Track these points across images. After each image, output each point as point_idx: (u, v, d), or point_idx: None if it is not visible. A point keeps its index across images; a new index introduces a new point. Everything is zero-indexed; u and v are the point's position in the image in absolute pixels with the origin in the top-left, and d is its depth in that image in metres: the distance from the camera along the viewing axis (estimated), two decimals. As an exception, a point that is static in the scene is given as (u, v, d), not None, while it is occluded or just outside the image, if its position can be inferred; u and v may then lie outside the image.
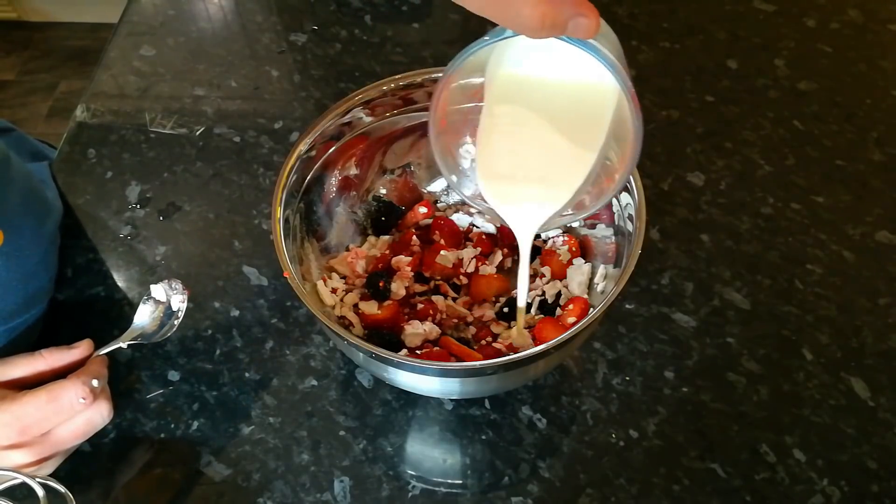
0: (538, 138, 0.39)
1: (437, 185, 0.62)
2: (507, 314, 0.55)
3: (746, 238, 0.63)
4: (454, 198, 0.62)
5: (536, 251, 0.58)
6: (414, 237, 0.58)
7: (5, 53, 1.94)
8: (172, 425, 0.55)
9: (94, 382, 0.47)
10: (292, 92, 0.76)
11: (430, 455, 0.54)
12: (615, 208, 0.51)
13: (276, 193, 0.49)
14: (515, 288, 0.56)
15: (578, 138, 0.39)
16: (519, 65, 0.38)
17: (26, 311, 0.57)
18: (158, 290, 0.54)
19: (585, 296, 0.54)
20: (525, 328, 0.52)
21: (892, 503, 0.50)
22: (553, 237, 0.58)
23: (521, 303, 0.50)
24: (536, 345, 0.46)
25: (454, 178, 0.43)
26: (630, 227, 0.48)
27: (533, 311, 0.55)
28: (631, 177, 0.47)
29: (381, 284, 0.55)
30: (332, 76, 0.76)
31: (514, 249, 0.59)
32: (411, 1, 0.83)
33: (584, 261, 0.56)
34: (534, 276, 0.57)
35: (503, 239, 0.59)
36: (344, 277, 0.56)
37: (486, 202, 0.43)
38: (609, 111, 0.38)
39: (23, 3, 1.97)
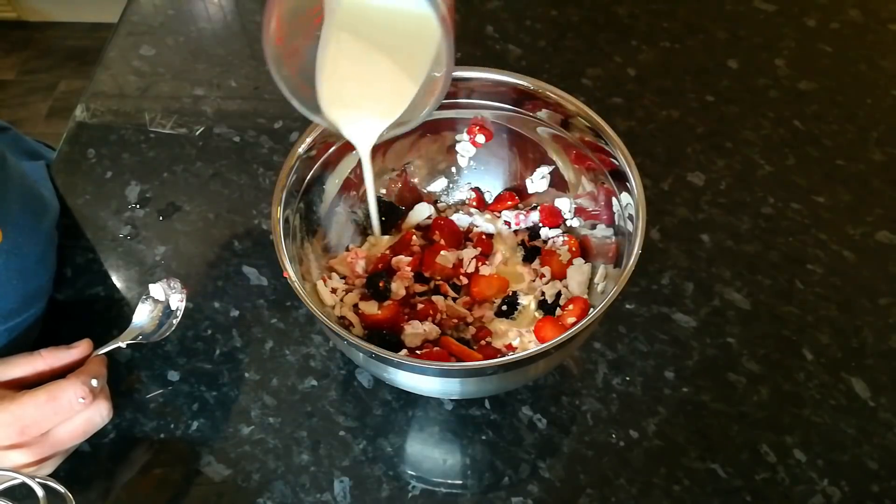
0: (375, 58, 0.43)
1: (437, 185, 0.62)
2: (507, 312, 0.55)
3: (747, 238, 0.63)
4: (454, 198, 0.62)
5: (536, 251, 0.58)
6: (414, 237, 0.58)
7: (5, 53, 1.94)
8: (172, 425, 0.55)
9: (94, 382, 0.47)
10: (292, 92, 0.76)
11: (430, 455, 0.53)
12: (615, 208, 0.51)
13: (275, 193, 0.49)
14: (514, 289, 0.56)
15: (411, 56, 0.43)
16: None
17: (26, 310, 0.57)
18: (157, 290, 0.54)
19: (585, 296, 0.54)
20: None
21: (893, 503, 0.50)
22: (553, 237, 0.58)
23: (374, 213, 0.55)
24: (536, 344, 0.47)
25: (291, 95, 0.45)
26: (630, 227, 0.48)
27: (533, 310, 0.55)
28: (631, 177, 0.48)
29: (381, 284, 0.55)
30: (332, 76, 0.76)
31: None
32: (411, 1, 0.83)
33: (584, 261, 0.56)
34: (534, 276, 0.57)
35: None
36: (344, 277, 0.56)
37: (326, 118, 0.47)
38: (437, 31, 0.40)
39: (22, 3, 1.97)
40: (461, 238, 0.59)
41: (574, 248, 0.56)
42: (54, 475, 0.47)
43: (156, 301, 0.54)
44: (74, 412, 0.46)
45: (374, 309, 0.54)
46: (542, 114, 0.53)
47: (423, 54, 0.43)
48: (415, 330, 0.52)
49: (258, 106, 0.74)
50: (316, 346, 0.58)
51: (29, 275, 0.57)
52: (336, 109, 0.46)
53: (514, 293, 0.56)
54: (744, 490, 0.51)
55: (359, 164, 0.57)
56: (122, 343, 0.51)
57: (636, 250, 0.45)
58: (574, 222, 0.58)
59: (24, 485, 0.44)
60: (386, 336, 0.52)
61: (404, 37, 0.43)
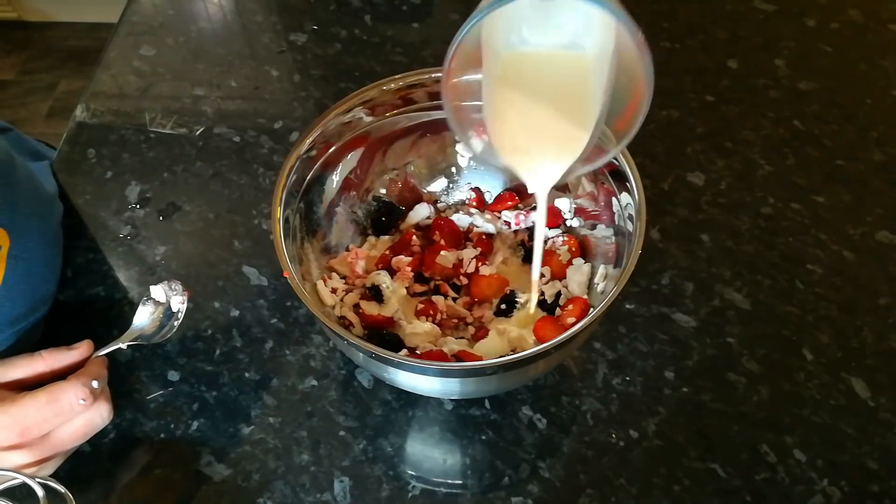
0: (547, 99, 0.42)
1: (437, 185, 0.62)
2: (505, 311, 0.55)
3: (746, 238, 0.63)
4: (454, 198, 0.62)
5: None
6: (414, 237, 0.58)
7: (5, 53, 1.94)
8: (172, 425, 0.55)
9: (94, 383, 0.47)
10: (292, 92, 0.76)
11: (430, 455, 0.54)
12: (615, 208, 0.51)
13: (276, 193, 0.49)
14: (514, 288, 0.56)
15: (583, 92, 0.42)
16: (519, 36, 0.41)
17: (33, 314, 0.57)
18: (158, 291, 0.54)
19: (585, 296, 0.54)
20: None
21: (893, 503, 0.50)
22: (553, 237, 0.58)
23: (535, 275, 0.50)
24: (537, 344, 0.46)
25: (471, 142, 0.45)
26: (630, 227, 0.48)
27: (532, 310, 0.55)
28: (631, 177, 0.48)
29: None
30: (332, 76, 0.76)
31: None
32: (411, 1, 0.83)
33: (583, 261, 0.56)
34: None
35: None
36: (344, 277, 0.56)
37: (499, 161, 0.45)
38: (606, 63, 0.40)
39: (23, 3, 1.97)
40: (461, 238, 0.59)
41: (574, 248, 0.56)
42: (55, 475, 0.47)
43: (157, 303, 0.54)
44: (75, 414, 0.46)
45: (374, 309, 0.54)
46: (543, 114, 0.53)
47: (596, 87, 0.41)
48: (415, 330, 0.52)
49: (258, 106, 0.74)
50: (316, 346, 0.58)
51: (37, 279, 0.56)
52: (509, 155, 0.45)
53: (513, 292, 0.56)
54: (744, 490, 0.51)
55: (361, 162, 0.57)
56: (122, 344, 0.51)
57: (636, 250, 0.45)
58: (574, 222, 0.58)
59: (24, 485, 0.44)
60: (386, 336, 0.52)
61: (572, 74, 0.41)
